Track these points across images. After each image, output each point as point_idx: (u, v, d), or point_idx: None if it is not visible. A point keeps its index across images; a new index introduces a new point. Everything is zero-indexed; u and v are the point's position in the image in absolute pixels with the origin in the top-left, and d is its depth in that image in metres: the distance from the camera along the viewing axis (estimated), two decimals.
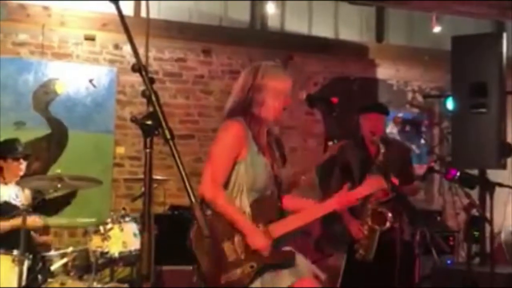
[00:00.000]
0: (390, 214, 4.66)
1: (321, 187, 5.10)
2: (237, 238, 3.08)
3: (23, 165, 5.32)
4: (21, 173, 5.31)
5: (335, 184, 4.79)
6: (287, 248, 3.22)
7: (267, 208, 3.20)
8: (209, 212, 3.07)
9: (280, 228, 3.16)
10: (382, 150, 4.65)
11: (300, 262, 3.22)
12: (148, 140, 1.99)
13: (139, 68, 1.99)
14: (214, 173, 3.09)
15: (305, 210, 3.29)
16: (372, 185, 3.39)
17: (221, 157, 3.13)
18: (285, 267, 3.15)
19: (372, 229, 4.72)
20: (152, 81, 2.01)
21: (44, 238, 5.66)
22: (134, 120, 1.99)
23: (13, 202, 5.20)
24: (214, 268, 3.05)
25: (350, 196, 3.28)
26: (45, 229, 5.66)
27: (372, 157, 4.82)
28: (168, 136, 1.96)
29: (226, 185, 3.15)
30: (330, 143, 4.79)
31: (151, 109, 2.00)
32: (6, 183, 5.26)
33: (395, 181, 3.79)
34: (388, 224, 4.66)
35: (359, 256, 4.76)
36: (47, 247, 5.48)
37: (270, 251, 3.10)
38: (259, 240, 3.07)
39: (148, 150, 2.00)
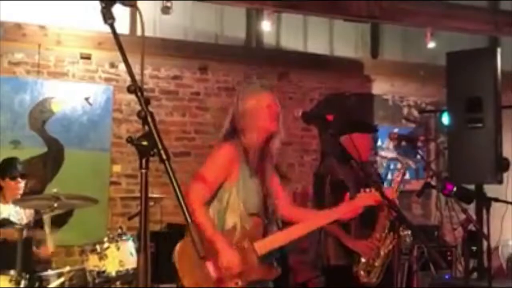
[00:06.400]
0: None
1: (314, 203, 4.89)
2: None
3: (21, 184, 5.30)
4: (20, 192, 5.29)
5: (327, 204, 4.47)
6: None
7: (253, 227, 3.22)
8: None
9: (266, 245, 3.20)
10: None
11: None
12: (143, 160, 2.00)
13: (134, 89, 1.99)
14: (198, 191, 3.12)
15: (293, 226, 3.32)
16: (365, 199, 3.40)
17: (209, 177, 3.16)
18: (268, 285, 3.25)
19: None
20: (147, 102, 2.02)
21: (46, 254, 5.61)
22: (129, 140, 2.00)
23: (12, 219, 5.18)
24: (198, 286, 3.08)
25: (344, 208, 3.36)
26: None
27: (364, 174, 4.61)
28: (164, 157, 1.96)
29: (219, 203, 3.20)
30: None
31: (146, 129, 2.00)
32: (6, 202, 5.25)
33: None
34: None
35: (367, 278, 4.38)
36: (48, 263, 5.43)
37: (255, 268, 3.15)
38: (229, 257, 3.07)
39: (143, 171, 2.00)
